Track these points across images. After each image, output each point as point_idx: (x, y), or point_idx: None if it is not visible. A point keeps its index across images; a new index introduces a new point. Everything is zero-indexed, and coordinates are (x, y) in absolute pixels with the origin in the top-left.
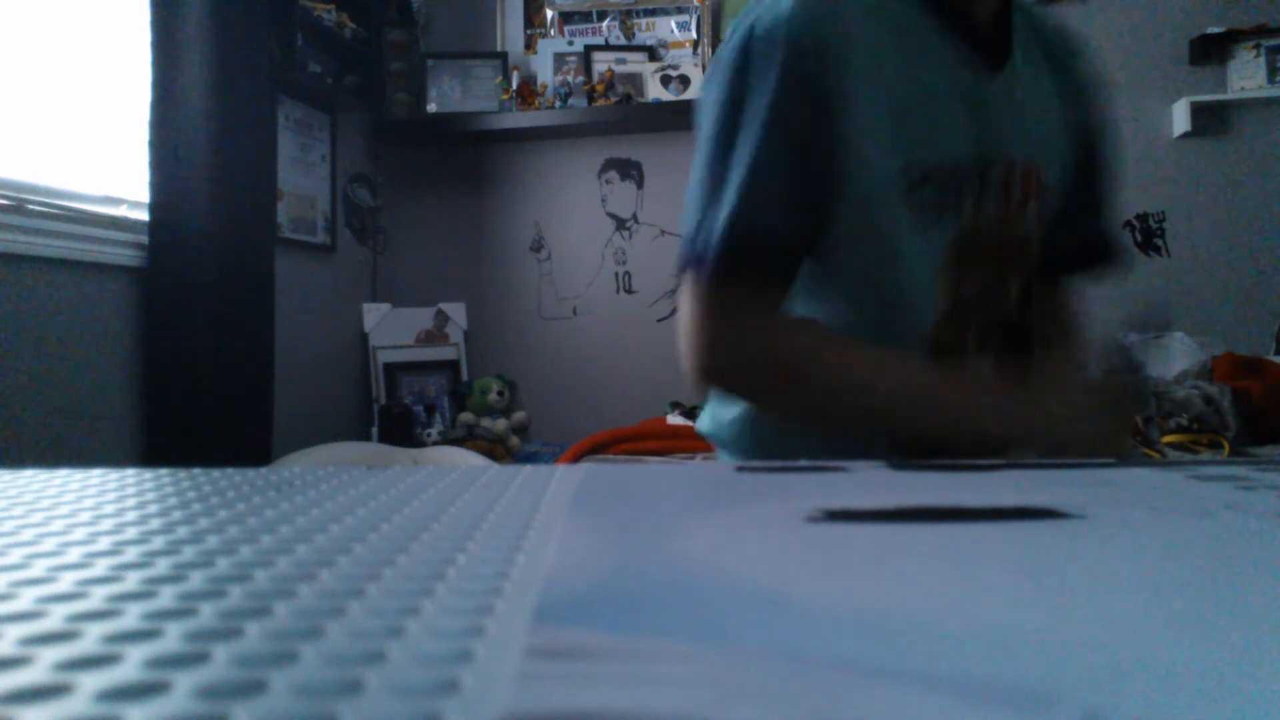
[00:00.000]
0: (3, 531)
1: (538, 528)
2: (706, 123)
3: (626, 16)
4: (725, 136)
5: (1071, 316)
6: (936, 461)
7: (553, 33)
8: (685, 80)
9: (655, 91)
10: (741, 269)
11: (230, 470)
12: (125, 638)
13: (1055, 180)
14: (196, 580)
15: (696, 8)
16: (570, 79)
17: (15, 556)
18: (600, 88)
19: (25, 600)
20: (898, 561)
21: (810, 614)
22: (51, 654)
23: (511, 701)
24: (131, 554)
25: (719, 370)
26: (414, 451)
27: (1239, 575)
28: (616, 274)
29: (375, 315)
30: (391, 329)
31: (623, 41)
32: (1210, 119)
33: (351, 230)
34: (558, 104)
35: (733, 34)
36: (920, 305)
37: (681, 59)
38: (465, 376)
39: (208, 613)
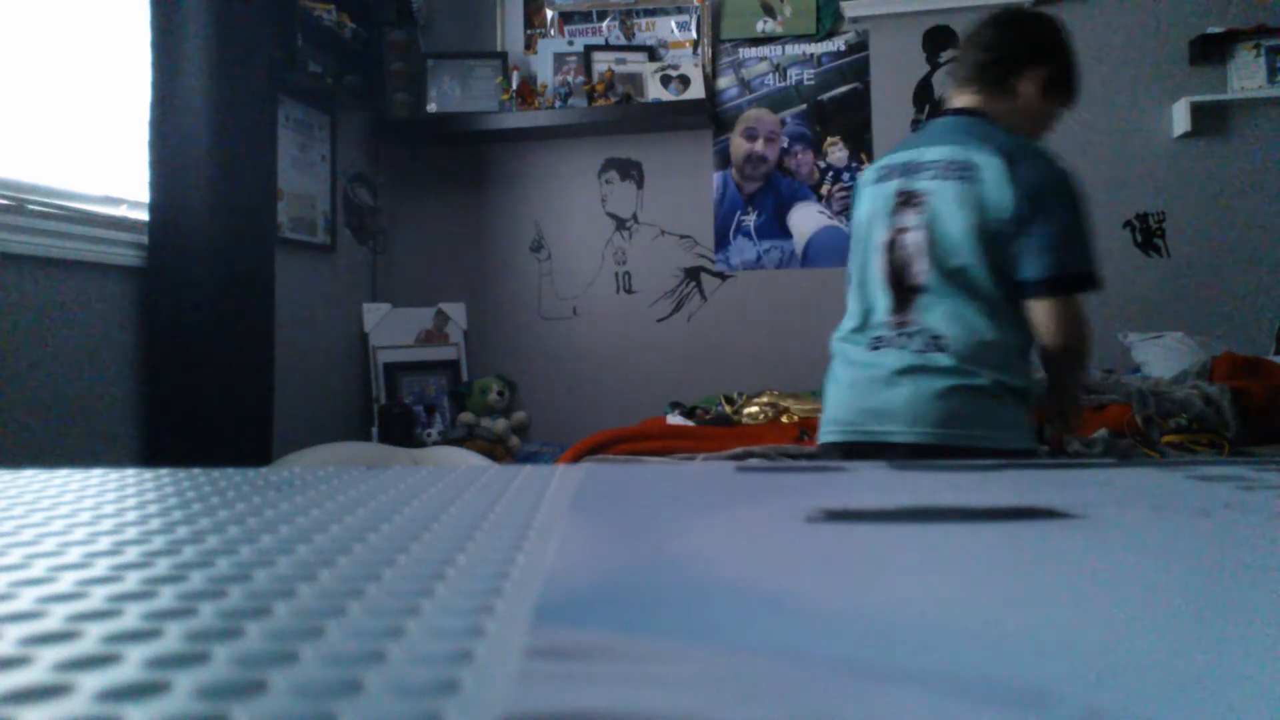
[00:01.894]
0: (3, 531)
1: (538, 528)
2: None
3: (626, 16)
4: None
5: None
6: (936, 462)
7: (553, 33)
8: (685, 80)
9: (655, 91)
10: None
11: (230, 470)
12: (125, 638)
13: None
14: (196, 580)
15: (696, 8)
16: (570, 79)
17: (15, 556)
18: (600, 88)
19: (25, 600)
20: (898, 561)
21: (810, 614)
22: (51, 654)
23: (511, 701)
24: (131, 554)
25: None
26: (414, 451)
27: (1239, 575)
28: (616, 274)
29: (375, 315)
30: (391, 329)
31: (623, 41)
32: (1210, 119)
33: (351, 230)
34: (558, 104)
35: (1058, 165)
36: None
37: (681, 59)
38: (465, 376)
39: (208, 613)
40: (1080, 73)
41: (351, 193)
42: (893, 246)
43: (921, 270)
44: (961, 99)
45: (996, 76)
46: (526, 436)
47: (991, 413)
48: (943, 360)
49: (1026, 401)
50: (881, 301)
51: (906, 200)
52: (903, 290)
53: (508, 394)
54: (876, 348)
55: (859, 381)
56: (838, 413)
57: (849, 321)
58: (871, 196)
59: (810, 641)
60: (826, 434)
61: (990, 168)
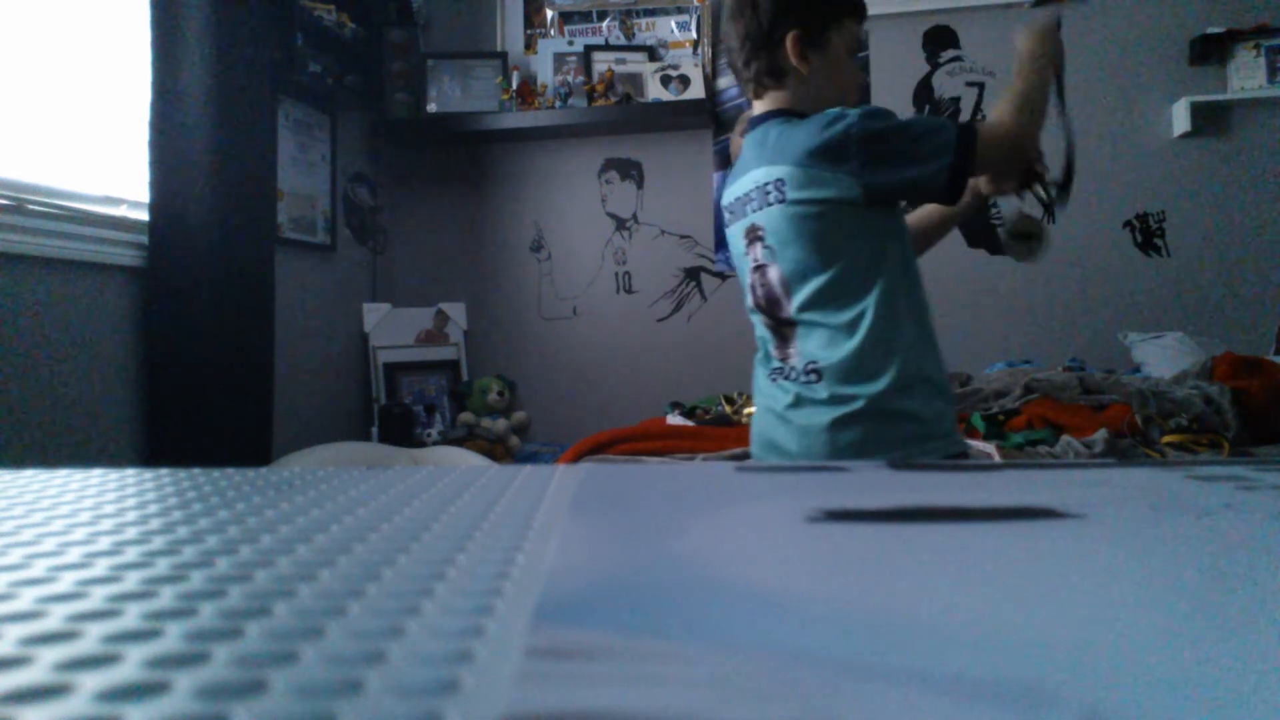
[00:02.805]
0: (3, 531)
1: (538, 528)
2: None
3: (626, 16)
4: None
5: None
6: (936, 462)
7: (553, 33)
8: (685, 80)
9: (655, 91)
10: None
11: (230, 470)
12: (125, 638)
13: None
14: (196, 580)
15: (696, 8)
16: (570, 79)
17: (15, 556)
18: (600, 88)
19: (25, 600)
20: (897, 561)
21: (810, 614)
22: (51, 654)
23: (511, 701)
24: (131, 554)
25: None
26: (414, 451)
27: (1239, 575)
28: (616, 274)
29: (375, 315)
30: (391, 329)
31: (623, 41)
32: (1210, 119)
33: (351, 230)
34: (558, 104)
35: (845, 113)
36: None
37: (681, 59)
38: (465, 376)
39: (208, 613)
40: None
41: (351, 193)
42: (755, 287)
43: (787, 305)
44: (758, 105)
45: (764, 68)
46: (526, 436)
47: (875, 435)
48: (821, 392)
49: (918, 401)
50: (768, 336)
51: (752, 236)
52: (778, 325)
53: (508, 394)
54: (774, 380)
55: (762, 412)
56: (752, 440)
57: (759, 347)
58: (731, 238)
59: (810, 641)
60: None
61: (793, 177)
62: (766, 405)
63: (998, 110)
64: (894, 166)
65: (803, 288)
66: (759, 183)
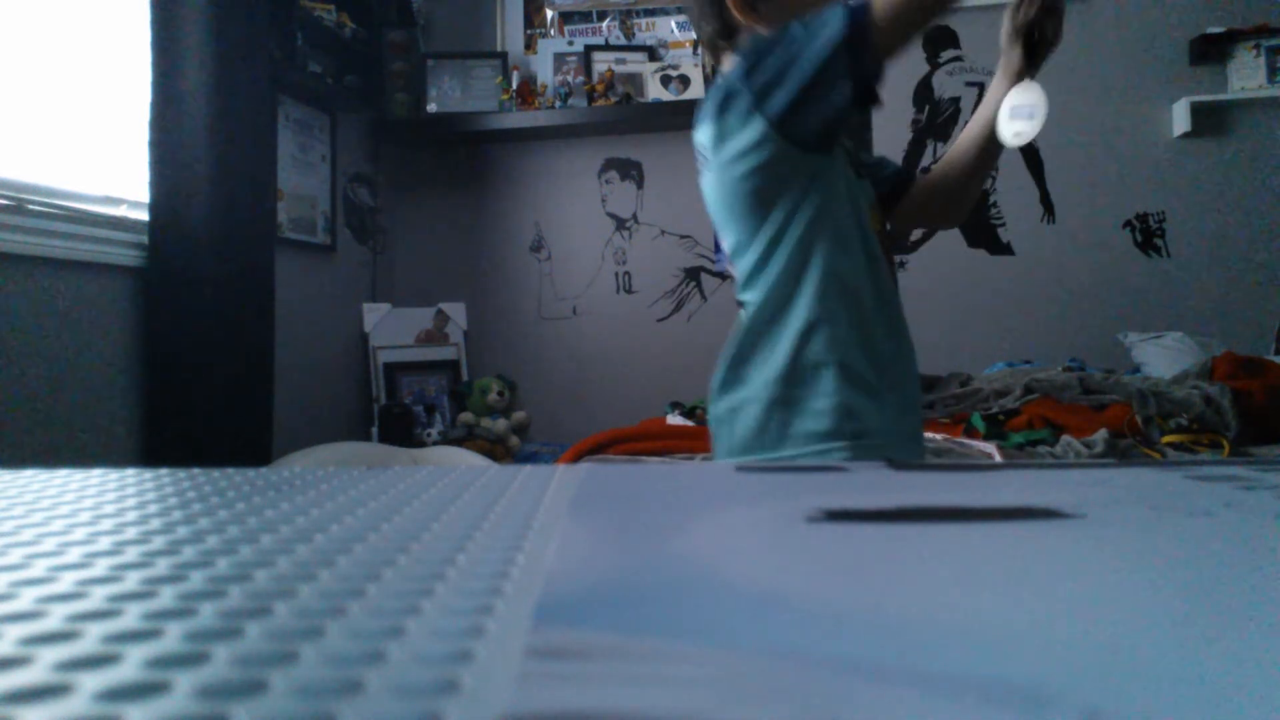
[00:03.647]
0: (3, 531)
1: (538, 528)
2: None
3: (626, 16)
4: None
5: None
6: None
7: (553, 33)
8: (685, 80)
9: (655, 91)
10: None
11: (230, 470)
12: (125, 638)
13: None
14: (196, 580)
15: None
16: (570, 79)
17: (15, 556)
18: (600, 88)
19: (25, 600)
20: (898, 561)
21: (810, 614)
22: (51, 654)
23: (511, 701)
24: (131, 554)
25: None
26: (414, 451)
27: (1239, 575)
28: (616, 274)
29: (375, 315)
30: (391, 329)
31: (623, 41)
32: (1210, 119)
33: (351, 230)
34: (558, 104)
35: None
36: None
37: (681, 59)
38: (465, 376)
39: (208, 613)
40: None
41: (351, 193)
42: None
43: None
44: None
45: (717, 31)
46: (526, 436)
47: (760, 428)
48: (717, 379)
49: (819, 391)
50: None
51: None
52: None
53: (508, 394)
54: None
55: None
56: None
57: None
58: None
59: (810, 641)
60: None
61: (708, 138)
62: None
63: None
64: (785, 80)
65: (737, 263)
66: (697, 152)
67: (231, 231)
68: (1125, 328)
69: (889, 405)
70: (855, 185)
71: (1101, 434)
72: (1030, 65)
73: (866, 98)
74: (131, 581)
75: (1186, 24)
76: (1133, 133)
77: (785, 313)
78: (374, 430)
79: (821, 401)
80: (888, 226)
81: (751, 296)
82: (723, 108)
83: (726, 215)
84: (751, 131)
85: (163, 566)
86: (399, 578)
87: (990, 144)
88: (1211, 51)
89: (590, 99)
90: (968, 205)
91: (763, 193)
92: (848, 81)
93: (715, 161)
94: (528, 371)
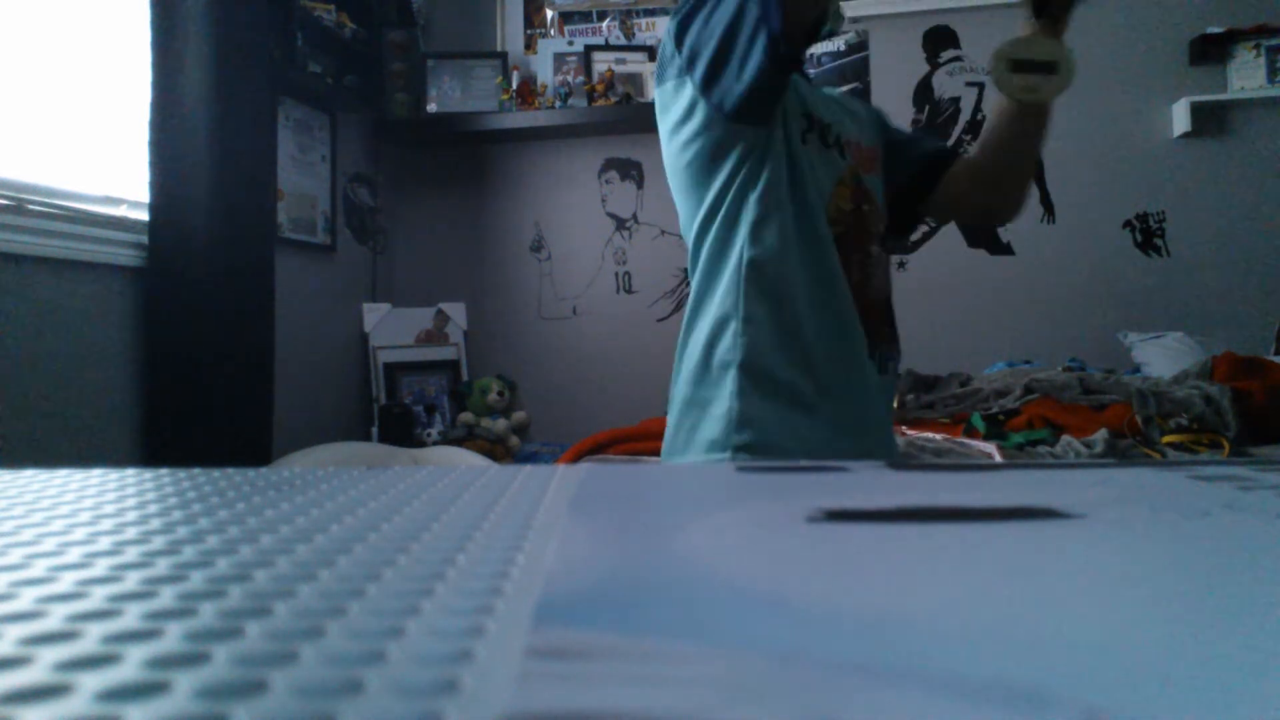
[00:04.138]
0: (3, 531)
1: (538, 528)
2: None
3: (626, 16)
4: None
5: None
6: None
7: (553, 33)
8: None
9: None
10: None
11: (230, 470)
12: (125, 638)
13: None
14: (196, 580)
15: None
16: (570, 79)
17: (15, 556)
18: (600, 88)
19: (25, 600)
20: (898, 561)
21: (810, 614)
22: (51, 654)
23: (511, 701)
24: (131, 554)
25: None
26: (414, 451)
27: (1239, 575)
28: (616, 274)
29: (375, 315)
30: (391, 329)
31: (623, 41)
32: (1210, 119)
33: (351, 230)
34: (558, 104)
35: None
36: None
37: None
38: (465, 376)
39: (208, 613)
40: None
41: (351, 193)
42: None
43: None
44: None
45: None
46: (526, 436)
47: (679, 429)
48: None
49: (724, 394)
50: None
51: None
52: None
53: (508, 394)
54: None
55: None
56: None
57: None
58: None
59: (810, 641)
60: None
61: (658, 109)
62: None
63: None
64: (707, 41)
65: (686, 243)
66: None
67: (231, 231)
68: (1125, 327)
69: (821, 418)
70: (818, 159)
71: (1101, 434)
72: (1039, 13)
73: (786, 60)
74: (131, 581)
75: (1186, 24)
76: (1133, 133)
77: (704, 304)
78: (374, 430)
79: (719, 406)
80: (882, 211)
81: (692, 282)
82: (661, 74)
83: (675, 191)
84: (684, 98)
85: (163, 566)
86: (399, 578)
87: (1023, 117)
88: (1211, 51)
89: (590, 99)
90: (1016, 191)
91: (696, 166)
92: (763, 40)
93: (662, 132)
94: (528, 371)
